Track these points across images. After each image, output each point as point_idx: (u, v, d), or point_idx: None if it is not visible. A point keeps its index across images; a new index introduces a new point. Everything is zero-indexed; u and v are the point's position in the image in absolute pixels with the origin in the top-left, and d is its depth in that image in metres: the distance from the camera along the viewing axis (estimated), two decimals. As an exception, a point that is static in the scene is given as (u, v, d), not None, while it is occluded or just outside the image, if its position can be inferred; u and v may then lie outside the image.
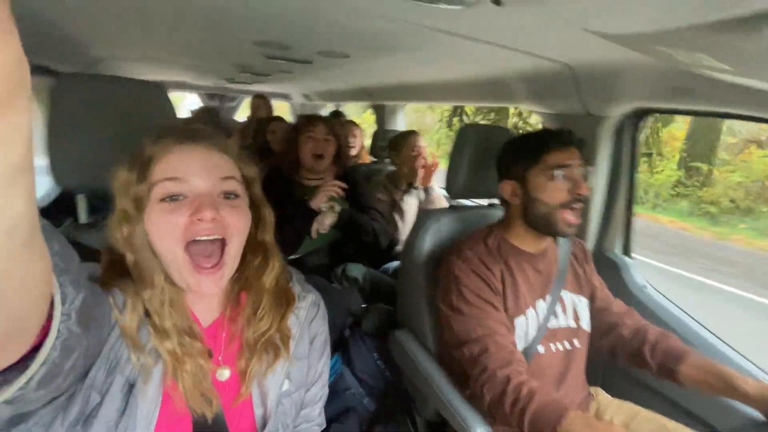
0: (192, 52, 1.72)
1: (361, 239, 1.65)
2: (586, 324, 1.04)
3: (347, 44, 1.31)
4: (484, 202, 1.27)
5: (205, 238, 0.54)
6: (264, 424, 0.61)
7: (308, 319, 0.70)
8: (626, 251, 1.35)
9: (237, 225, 0.56)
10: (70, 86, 0.76)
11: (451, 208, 1.22)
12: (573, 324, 1.02)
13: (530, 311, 0.98)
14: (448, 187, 1.17)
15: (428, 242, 1.14)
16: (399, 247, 1.90)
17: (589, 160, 1.25)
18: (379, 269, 1.84)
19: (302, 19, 1.02)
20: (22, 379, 0.29)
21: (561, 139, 0.95)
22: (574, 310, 1.04)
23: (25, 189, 0.20)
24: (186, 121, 2.13)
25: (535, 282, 1.00)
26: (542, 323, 0.98)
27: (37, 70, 1.36)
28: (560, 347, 1.00)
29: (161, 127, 0.58)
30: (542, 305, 0.99)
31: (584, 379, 1.05)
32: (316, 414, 0.74)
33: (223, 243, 0.56)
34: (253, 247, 0.62)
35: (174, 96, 4.83)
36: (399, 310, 1.25)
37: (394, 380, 1.27)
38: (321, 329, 0.72)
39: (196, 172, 0.54)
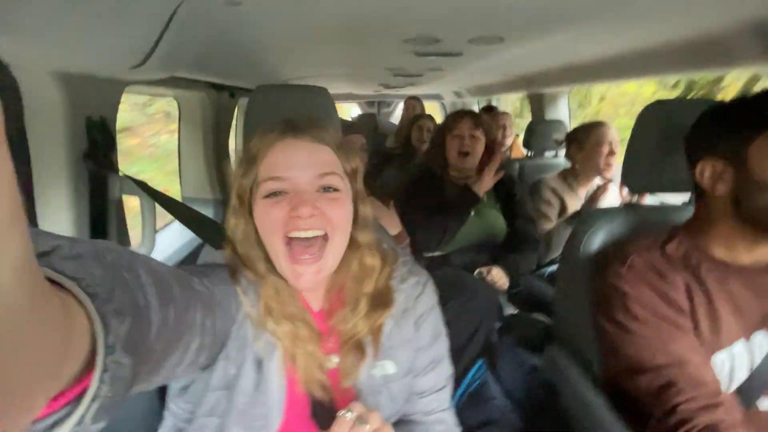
0: (348, 61, 1.89)
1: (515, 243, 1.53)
2: None
3: (500, 26, 1.21)
4: (673, 200, 0.99)
5: (304, 234, 0.55)
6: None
7: (411, 298, 0.67)
8: None
9: (338, 219, 0.57)
10: (263, 96, 0.91)
11: (629, 206, 0.99)
12: None
13: (738, 346, 0.70)
14: (625, 178, 0.95)
15: (596, 246, 0.94)
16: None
17: None
18: (533, 273, 1.67)
19: (449, 5, 0.98)
20: (75, 419, 0.27)
21: None
22: None
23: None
24: (346, 125, 2.38)
25: (750, 307, 0.71)
26: (763, 364, 0.69)
27: (224, 88, 1.71)
28: None
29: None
30: (761, 341, 0.70)
31: None
32: (433, 406, 0.69)
33: (325, 238, 0.57)
34: (350, 245, 0.61)
35: (339, 106, 5.50)
36: (556, 323, 1.09)
37: (548, 400, 1.12)
38: (428, 310, 0.68)
39: (296, 168, 0.55)
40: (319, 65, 1.95)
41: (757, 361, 0.70)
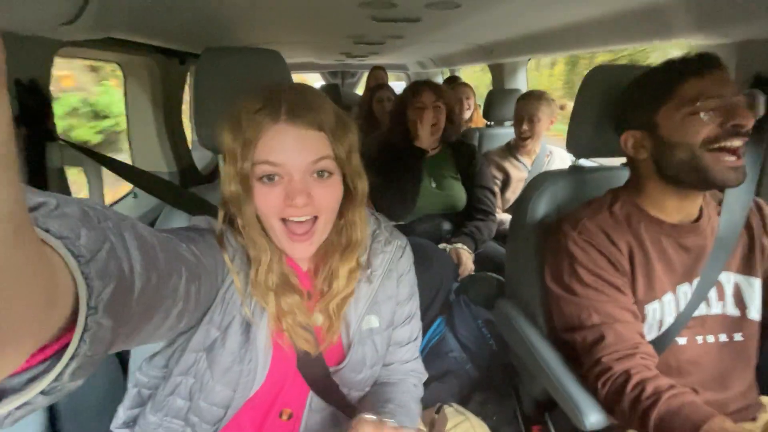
0: (306, 27, 1.82)
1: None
2: (756, 313, 0.80)
3: (456, -8, 1.21)
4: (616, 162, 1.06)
5: (297, 219, 0.59)
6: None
7: (395, 259, 0.73)
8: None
9: (328, 203, 0.61)
10: (211, 60, 0.87)
11: (573, 169, 1.05)
12: (735, 312, 0.80)
13: (668, 296, 0.79)
14: (570, 144, 1.01)
15: (542, 208, 1.01)
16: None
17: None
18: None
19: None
20: (52, 375, 0.27)
21: (698, 64, 0.71)
22: (738, 294, 0.81)
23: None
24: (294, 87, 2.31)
25: (678, 262, 0.80)
26: (685, 311, 0.79)
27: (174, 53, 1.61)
28: (711, 339, 0.80)
29: (264, 89, 0.60)
30: (686, 290, 0.80)
31: (752, 384, 0.82)
32: (408, 356, 0.77)
33: (315, 218, 0.60)
34: (339, 218, 0.65)
35: (301, 76, 5.31)
36: (507, 280, 1.17)
37: (498, 351, 1.21)
38: (407, 269, 0.75)
39: (290, 154, 0.57)
40: (275, 30, 1.87)
41: (682, 308, 0.79)
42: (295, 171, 0.57)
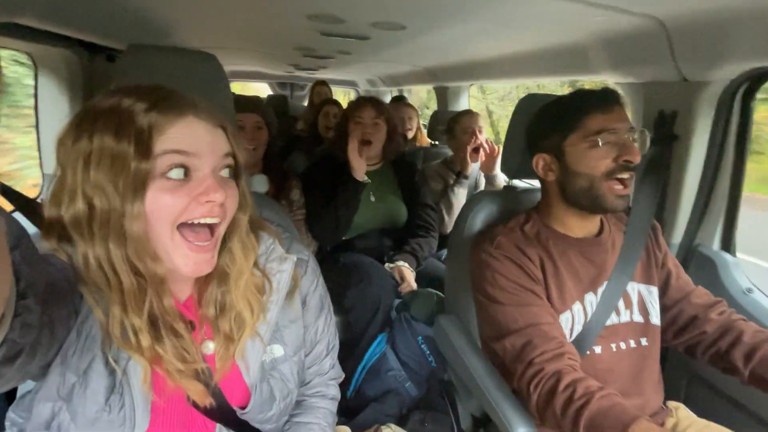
0: (252, 36, 1.77)
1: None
2: (656, 318, 0.89)
3: (402, 13, 1.24)
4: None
5: (203, 221, 0.50)
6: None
7: (297, 278, 0.66)
8: (727, 247, 1.12)
9: (232, 207, 0.54)
10: (135, 57, 0.80)
11: (506, 189, 1.11)
12: (640, 319, 0.88)
13: (576, 306, 0.85)
14: (503, 166, 1.07)
15: (478, 226, 1.05)
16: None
17: (686, 134, 1.06)
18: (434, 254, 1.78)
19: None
20: None
21: (603, 100, 0.81)
22: (641, 302, 0.89)
23: None
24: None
25: (584, 272, 0.87)
26: (593, 320, 0.85)
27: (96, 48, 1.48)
28: (623, 346, 0.86)
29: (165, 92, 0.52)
30: (591, 299, 0.86)
31: (659, 387, 0.90)
32: (327, 367, 0.73)
33: (211, 228, 0.52)
34: (231, 228, 0.57)
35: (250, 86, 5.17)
36: (446, 295, 1.19)
37: (437, 368, 1.22)
38: (313, 287, 0.69)
39: (203, 145, 0.50)
40: (218, 34, 1.80)
41: (589, 316, 0.86)
42: (207, 164, 0.50)
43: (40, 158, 1.52)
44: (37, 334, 0.38)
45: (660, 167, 1.01)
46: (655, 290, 0.90)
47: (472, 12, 1.16)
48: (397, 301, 1.37)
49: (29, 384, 0.54)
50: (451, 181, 1.87)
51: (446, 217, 1.83)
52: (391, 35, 1.54)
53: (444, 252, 1.81)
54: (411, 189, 1.65)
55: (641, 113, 1.18)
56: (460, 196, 1.83)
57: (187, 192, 0.49)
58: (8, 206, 0.67)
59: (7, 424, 0.57)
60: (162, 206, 0.48)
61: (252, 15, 1.40)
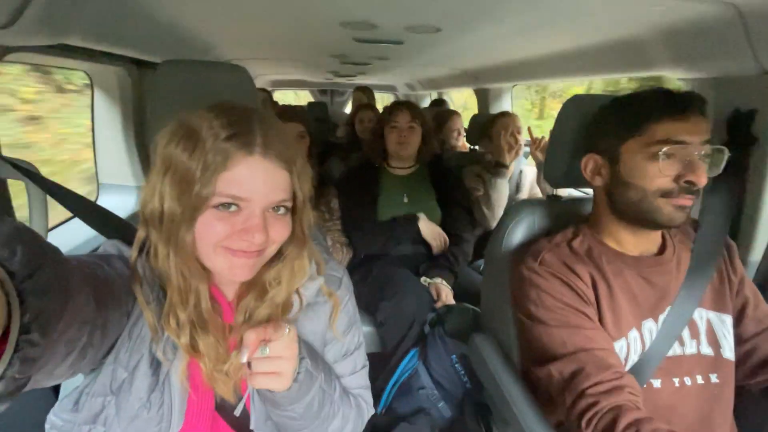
0: (290, 46, 1.80)
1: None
2: (729, 351, 0.76)
3: (436, 15, 1.19)
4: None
5: (245, 248, 0.53)
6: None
7: (330, 292, 0.67)
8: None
9: (278, 238, 0.56)
10: (168, 72, 0.82)
11: (551, 198, 1.02)
12: (709, 351, 0.76)
13: (633, 333, 0.75)
14: (547, 174, 0.98)
15: (519, 238, 0.96)
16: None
17: (766, 135, 0.91)
18: (470, 265, 1.71)
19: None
20: None
21: (679, 104, 0.69)
22: (710, 332, 0.77)
23: None
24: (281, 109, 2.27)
25: (642, 296, 0.76)
26: (652, 350, 0.74)
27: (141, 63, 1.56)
28: (689, 382, 0.74)
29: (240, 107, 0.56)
30: (650, 326, 0.76)
31: (733, 429, 0.77)
32: (353, 384, 0.70)
33: (261, 251, 0.55)
34: (279, 255, 0.60)
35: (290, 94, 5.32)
36: (482, 312, 1.11)
37: (472, 389, 1.14)
38: (342, 304, 0.69)
39: (259, 191, 0.52)
40: (254, 45, 1.85)
41: (647, 345, 0.75)
42: (258, 207, 0.53)
43: (96, 170, 1.63)
44: (88, 335, 0.42)
45: (735, 174, 0.88)
46: (728, 319, 0.78)
47: (510, 11, 1.09)
48: (430, 315, 1.31)
49: (77, 380, 0.58)
50: (490, 176, 1.80)
51: (487, 211, 1.76)
52: (426, 38, 1.49)
53: (481, 262, 1.72)
54: (446, 192, 1.62)
55: (711, 113, 1.03)
56: (500, 188, 1.75)
57: (233, 224, 0.52)
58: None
59: (47, 426, 0.59)
60: (209, 231, 0.52)
61: (286, 25, 1.42)
